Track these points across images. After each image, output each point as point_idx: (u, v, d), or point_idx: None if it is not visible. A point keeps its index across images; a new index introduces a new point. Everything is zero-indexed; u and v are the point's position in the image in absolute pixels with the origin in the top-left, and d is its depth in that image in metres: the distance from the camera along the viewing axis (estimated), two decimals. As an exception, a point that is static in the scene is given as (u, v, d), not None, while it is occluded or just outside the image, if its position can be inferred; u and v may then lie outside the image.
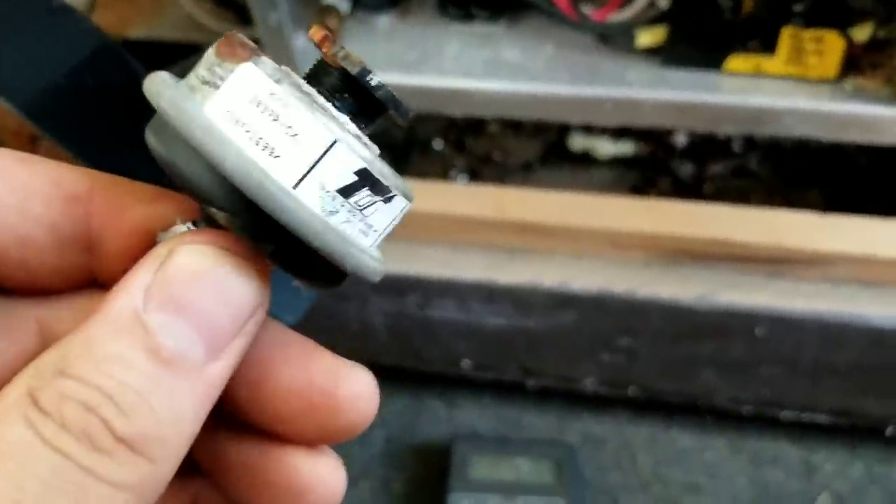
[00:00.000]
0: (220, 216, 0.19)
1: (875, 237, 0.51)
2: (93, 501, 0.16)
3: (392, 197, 0.18)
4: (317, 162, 0.17)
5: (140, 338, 0.17)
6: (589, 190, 0.72)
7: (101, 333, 0.17)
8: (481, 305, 0.57)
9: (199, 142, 0.17)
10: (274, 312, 0.41)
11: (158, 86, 0.18)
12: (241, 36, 0.19)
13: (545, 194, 0.56)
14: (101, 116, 0.42)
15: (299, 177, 0.17)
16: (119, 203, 0.21)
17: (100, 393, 0.16)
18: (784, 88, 0.53)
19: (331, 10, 0.57)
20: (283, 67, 0.18)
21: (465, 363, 0.64)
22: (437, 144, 0.78)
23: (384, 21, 0.59)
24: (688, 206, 0.54)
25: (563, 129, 0.77)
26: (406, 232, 0.57)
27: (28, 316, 0.21)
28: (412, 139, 0.79)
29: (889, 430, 0.62)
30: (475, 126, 0.79)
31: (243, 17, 0.66)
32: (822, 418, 0.61)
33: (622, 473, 0.65)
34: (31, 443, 0.16)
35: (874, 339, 0.52)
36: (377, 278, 0.19)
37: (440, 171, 0.77)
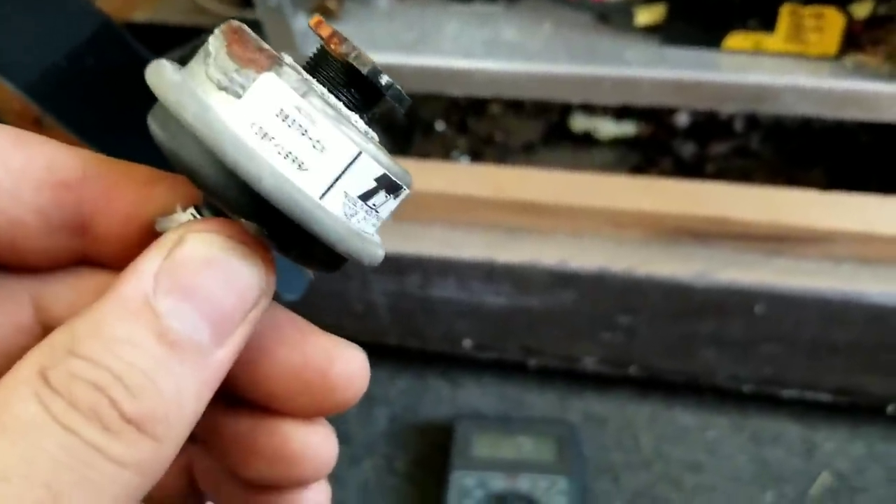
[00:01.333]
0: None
1: (875, 215, 0.51)
2: (98, 478, 0.16)
3: (401, 191, 0.19)
4: (342, 173, 0.18)
5: (149, 321, 0.18)
6: (590, 170, 0.72)
7: (112, 315, 0.18)
8: (481, 285, 0.58)
9: (233, 160, 0.17)
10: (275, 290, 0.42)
11: (177, 94, 0.18)
12: (250, 32, 0.19)
13: (544, 173, 0.56)
14: (102, 97, 0.42)
15: (326, 187, 0.18)
16: (112, 188, 0.21)
17: (109, 373, 0.17)
18: (784, 66, 0.53)
19: (330, -10, 0.57)
20: (305, 76, 0.18)
21: (467, 343, 0.65)
22: (440, 126, 0.78)
23: (383, 1, 0.59)
24: (687, 185, 0.54)
25: (565, 110, 0.77)
26: (406, 212, 0.58)
27: (21, 291, 0.22)
28: (414, 120, 0.79)
29: (890, 409, 0.62)
30: (477, 107, 0.79)
31: None
32: (823, 397, 0.61)
33: (624, 452, 0.66)
34: (41, 420, 0.16)
35: (874, 316, 0.52)
36: (379, 262, 0.20)
37: (442, 152, 0.77)
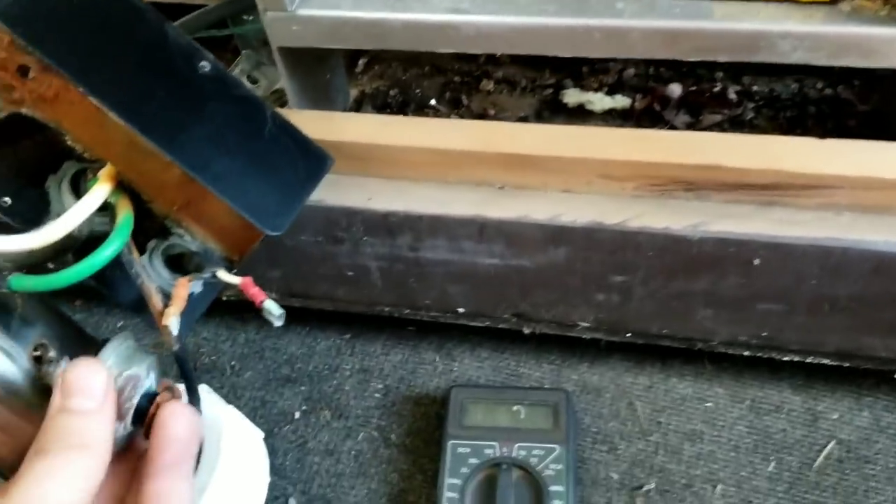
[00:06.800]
0: None
1: (876, 160, 0.47)
2: None
3: None
4: None
5: None
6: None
7: None
8: (473, 244, 0.54)
9: None
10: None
11: None
12: None
13: (534, 126, 0.52)
14: (80, 22, 0.39)
15: None
16: None
17: None
18: (778, 12, 0.49)
19: (319, -49, 0.54)
20: None
21: (460, 310, 0.61)
22: (434, 103, 0.75)
23: (372, -38, 0.56)
24: (679, 134, 0.50)
25: (558, 86, 0.74)
26: (394, 170, 0.54)
27: None
28: (408, 99, 0.76)
29: (896, 374, 0.58)
30: (470, 84, 0.75)
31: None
32: (825, 361, 0.57)
33: (620, 421, 0.61)
34: None
35: (877, 267, 0.48)
36: None
37: (437, 130, 0.73)
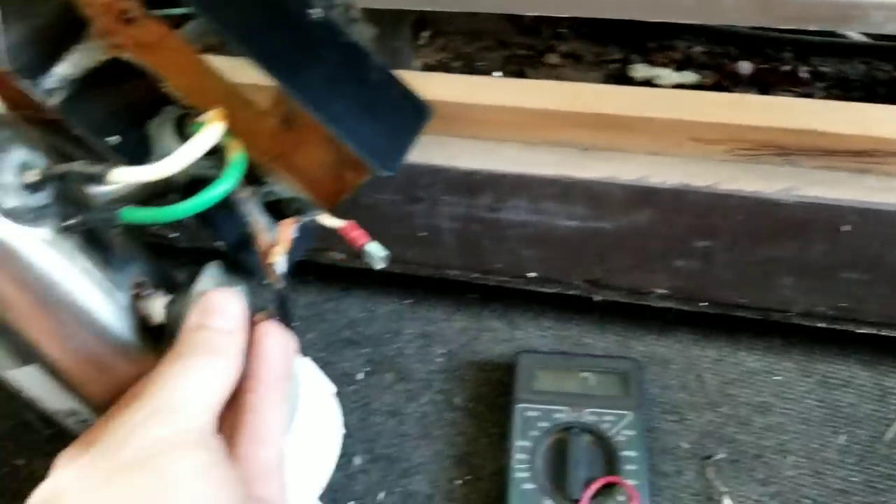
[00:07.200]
0: None
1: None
2: None
3: None
4: None
5: None
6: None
7: None
8: (555, 205, 0.53)
9: None
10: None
11: None
12: None
13: (620, 88, 0.52)
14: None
15: None
16: None
17: None
18: (875, -20, 0.49)
19: None
20: None
21: (531, 275, 0.60)
22: (497, 76, 0.75)
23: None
24: (773, 99, 0.50)
25: (624, 62, 0.74)
26: (478, 129, 0.54)
27: None
28: (471, 72, 0.76)
29: (969, 352, 0.57)
30: (534, 58, 0.75)
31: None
32: (900, 335, 0.56)
33: (689, 393, 0.61)
34: None
35: (969, 236, 0.47)
36: None
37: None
